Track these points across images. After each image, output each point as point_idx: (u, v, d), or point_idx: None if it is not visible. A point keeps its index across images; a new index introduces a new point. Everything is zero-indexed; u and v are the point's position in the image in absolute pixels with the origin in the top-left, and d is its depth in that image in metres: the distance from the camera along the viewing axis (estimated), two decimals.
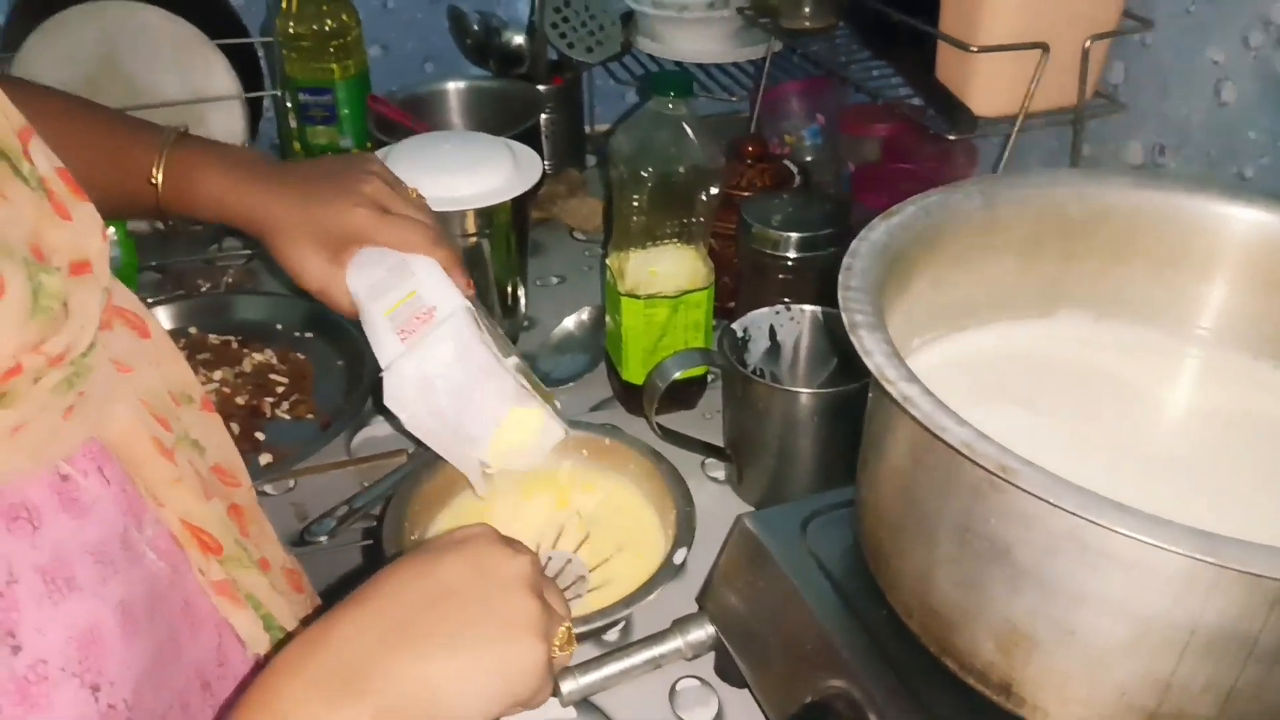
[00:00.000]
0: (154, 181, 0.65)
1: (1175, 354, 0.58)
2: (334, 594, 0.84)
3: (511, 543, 0.47)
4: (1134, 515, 0.34)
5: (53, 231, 0.41)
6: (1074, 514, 0.35)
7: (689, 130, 0.73)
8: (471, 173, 0.78)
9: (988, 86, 0.77)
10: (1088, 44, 0.74)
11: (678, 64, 1.21)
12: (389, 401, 0.62)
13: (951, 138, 0.78)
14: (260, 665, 0.52)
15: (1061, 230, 0.58)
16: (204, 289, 1.00)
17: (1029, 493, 0.35)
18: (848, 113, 1.09)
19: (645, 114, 0.74)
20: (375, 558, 0.87)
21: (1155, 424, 0.57)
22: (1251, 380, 0.55)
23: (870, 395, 0.51)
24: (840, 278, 0.48)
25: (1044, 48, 0.73)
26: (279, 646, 0.52)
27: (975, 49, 0.73)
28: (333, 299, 0.66)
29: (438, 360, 0.62)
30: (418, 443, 0.66)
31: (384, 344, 0.63)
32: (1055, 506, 0.35)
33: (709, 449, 0.75)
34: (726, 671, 0.63)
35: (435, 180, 0.77)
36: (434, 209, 0.77)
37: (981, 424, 0.39)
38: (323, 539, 0.73)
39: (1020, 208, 0.57)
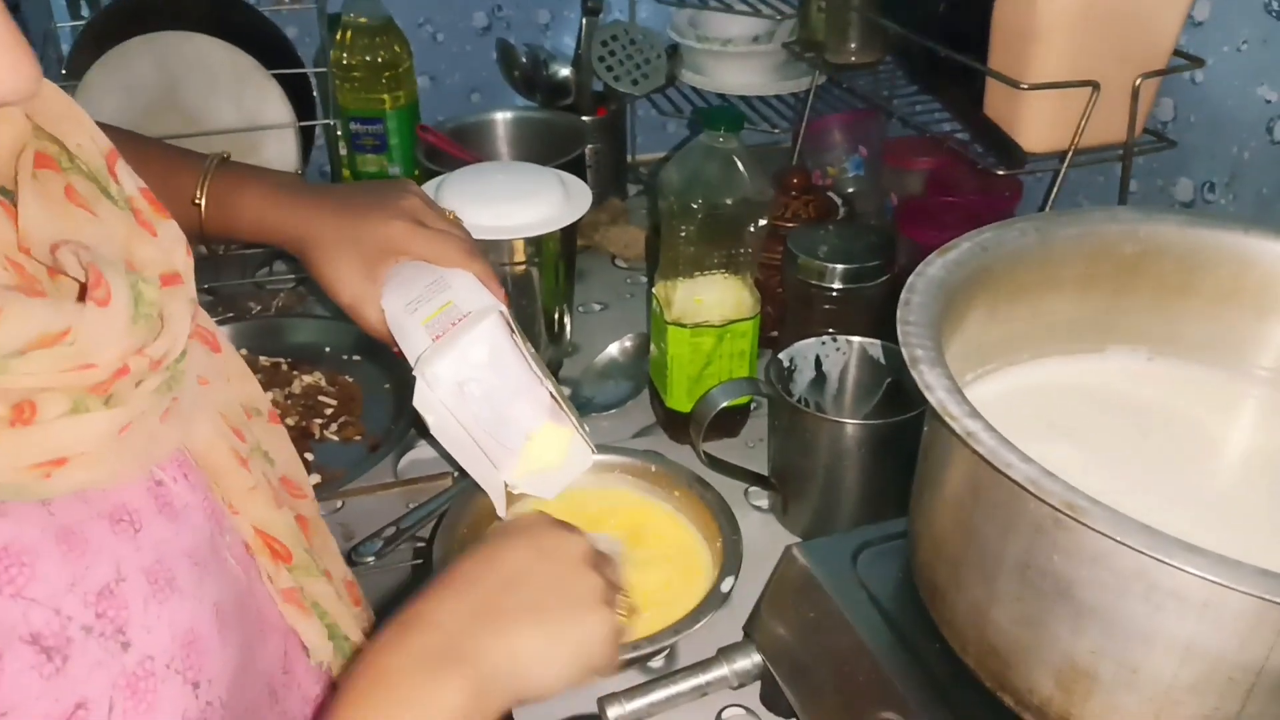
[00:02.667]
0: (198, 203, 0.67)
1: (1232, 392, 0.58)
2: (383, 614, 0.86)
3: (565, 525, 0.51)
4: (1204, 555, 0.34)
5: (141, 246, 0.43)
6: (1143, 553, 0.35)
7: (739, 164, 0.74)
8: (523, 202, 0.79)
9: (1036, 123, 0.77)
10: (1138, 82, 0.75)
11: (721, 96, 1.22)
12: (418, 403, 0.61)
13: (1001, 173, 0.78)
14: (326, 676, 0.53)
15: (1116, 267, 0.58)
16: (255, 312, 1.02)
17: (1097, 531, 0.36)
18: (890, 145, 1.10)
19: (696, 147, 0.75)
20: (424, 579, 0.88)
21: (1211, 463, 0.56)
22: None
23: (926, 429, 0.52)
24: (899, 312, 0.48)
25: (1095, 86, 0.74)
26: (344, 657, 0.53)
27: (1026, 86, 0.73)
28: (364, 315, 0.66)
29: (471, 361, 0.62)
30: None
31: (418, 348, 0.62)
32: (1124, 545, 0.35)
33: (754, 478, 0.76)
34: (773, 701, 0.63)
35: (488, 209, 0.78)
36: (487, 237, 0.79)
37: (1037, 459, 0.39)
38: (370, 559, 0.74)
39: (1075, 245, 0.57)
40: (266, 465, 0.53)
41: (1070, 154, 0.77)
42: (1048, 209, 0.80)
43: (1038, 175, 0.80)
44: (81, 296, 0.37)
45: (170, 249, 0.44)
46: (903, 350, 0.46)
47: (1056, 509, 0.36)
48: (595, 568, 0.50)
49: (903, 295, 0.49)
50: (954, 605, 0.48)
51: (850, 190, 1.13)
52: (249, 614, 0.46)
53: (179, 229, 0.45)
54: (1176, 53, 0.76)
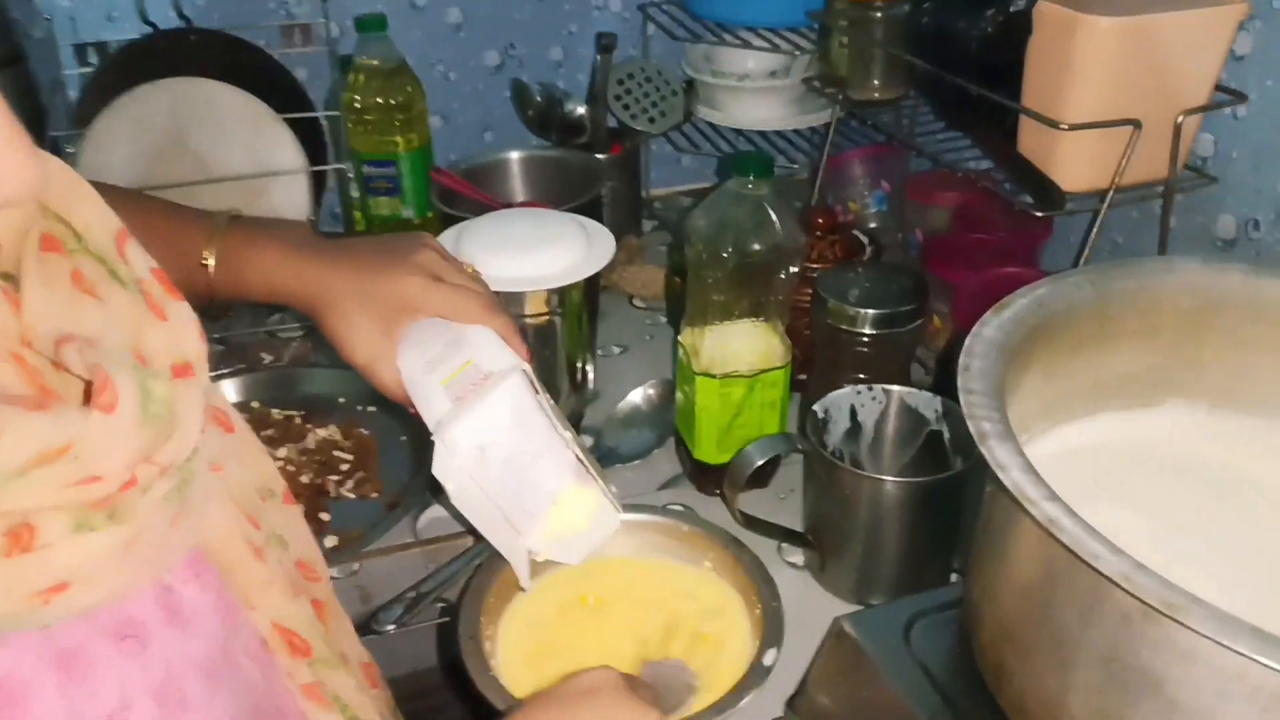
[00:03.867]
0: (206, 263, 0.64)
1: None
2: (407, 679, 0.83)
3: (637, 687, 0.47)
4: None
5: (151, 333, 0.40)
6: (1250, 657, 0.32)
7: (770, 210, 0.71)
8: (545, 251, 0.77)
9: (1074, 161, 0.75)
10: (1180, 119, 0.72)
11: (738, 131, 1.20)
12: (437, 470, 0.58)
13: (1039, 214, 0.76)
14: None
15: (1174, 320, 0.55)
16: (266, 362, 0.99)
17: (1199, 633, 0.33)
18: (913, 180, 1.08)
19: (724, 193, 0.72)
20: (450, 649, 0.85)
21: (1275, 525, 0.53)
22: None
23: (989, 499, 0.49)
24: (960, 380, 0.45)
25: (1136, 125, 0.71)
26: None
27: (1067, 127, 0.71)
28: (379, 375, 0.63)
29: (492, 424, 0.58)
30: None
31: (437, 411, 0.59)
32: (1227, 648, 0.32)
33: (792, 535, 0.73)
34: None
35: (510, 259, 0.76)
36: (509, 289, 0.76)
37: (1096, 525, 0.36)
38: (390, 627, 0.71)
39: (1132, 298, 0.55)
40: (282, 552, 0.50)
41: (1110, 194, 0.74)
42: (1087, 250, 0.78)
43: (1073, 214, 0.78)
44: (86, 398, 0.35)
45: (181, 334, 0.41)
46: (969, 422, 0.43)
47: (1155, 609, 0.34)
48: None
49: (961, 360, 0.47)
50: (1023, 690, 0.45)
51: (873, 225, 1.10)
52: (266, 716, 0.44)
53: (190, 311, 0.43)
54: (1218, 87, 0.74)
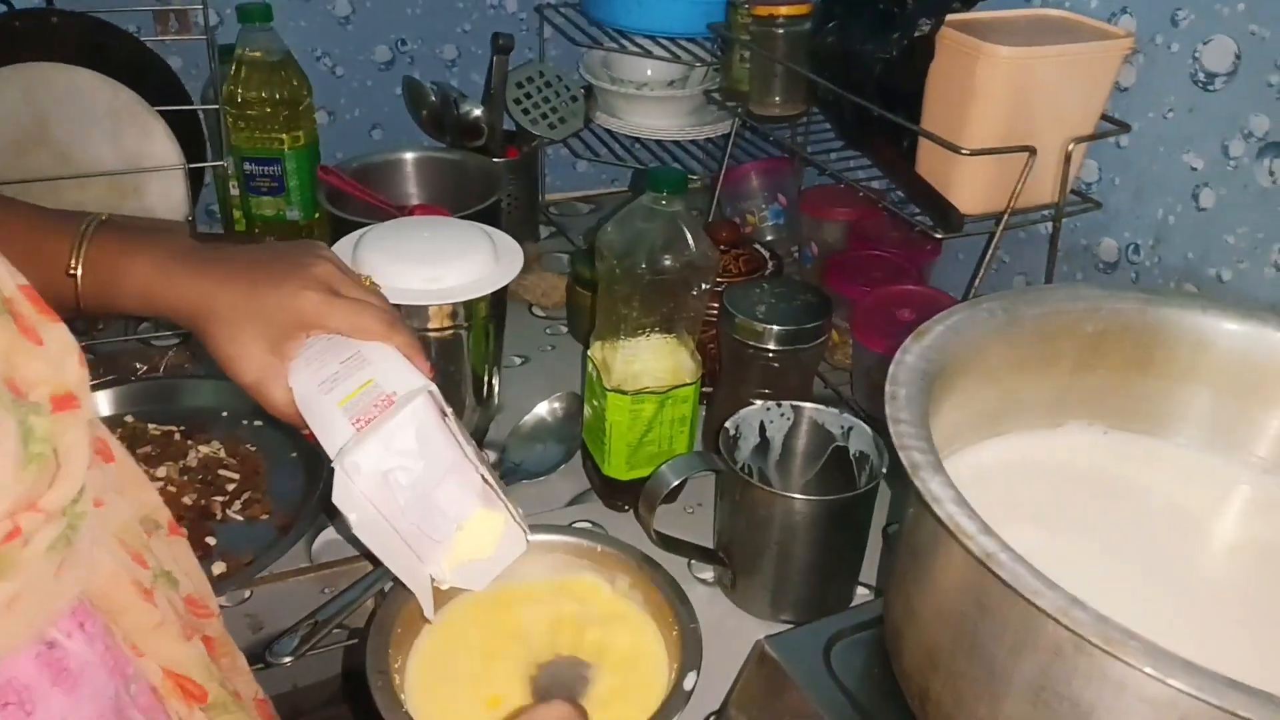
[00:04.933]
0: (73, 274, 0.58)
1: (1186, 466, 0.58)
2: (311, 698, 0.79)
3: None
4: (1255, 695, 0.32)
5: (26, 362, 0.36)
6: (1187, 692, 0.33)
7: (684, 226, 0.71)
8: (451, 263, 0.74)
9: (972, 185, 0.77)
10: (1070, 147, 0.75)
11: (637, 140, 1.19)
12: (337, 499, 0.54)
13: (939, 236, 0.78)
14: None
15: (1078, 345, 0.58)
16: (141, 372, 0.93)
17: (1136, 668, 0.34)
18: (809, 194, 1.09)
19: (637, 209, 0.72)
20: (351, 670, 0.81)
21: (1170, 538, 0.56)
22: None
23: (912, 526, 0.49)
24: (888, 409, 0.46)
25: (1032, 151, 0.74)
26: None
27: (968, 152, 0.73)
28: (269, 396, 0.59)
29: (397, 449, 0.55)
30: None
31: (337, 435, 0.56)
32: (1167, 685, 0.33)
33: (704, 553, 0.72)
34: None
35: (414, 271, 0.73)
36: (414, 302, 0.73)
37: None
38: (287, 659, 0.67)
39: (1040, 324, 0.57)
40: (171, 590, 0.46)
41: (1006, 217, 0.77)
42: (982, 272, 0.80)
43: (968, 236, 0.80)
44: None
45: (61, 361, 0.37)
46: (900, 453, 0.43)
47: (1094, 644, 0.34)
48: None
49: (888, 389, 0.47)
50: (951, 718, 0.46)
51: (770, 239, 1.12)
52: None
53: (69, 334, 0.38)
54: (1104, 117, 0.77)
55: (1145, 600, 0.49)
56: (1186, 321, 0.57)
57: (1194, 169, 0.74)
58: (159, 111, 0.97)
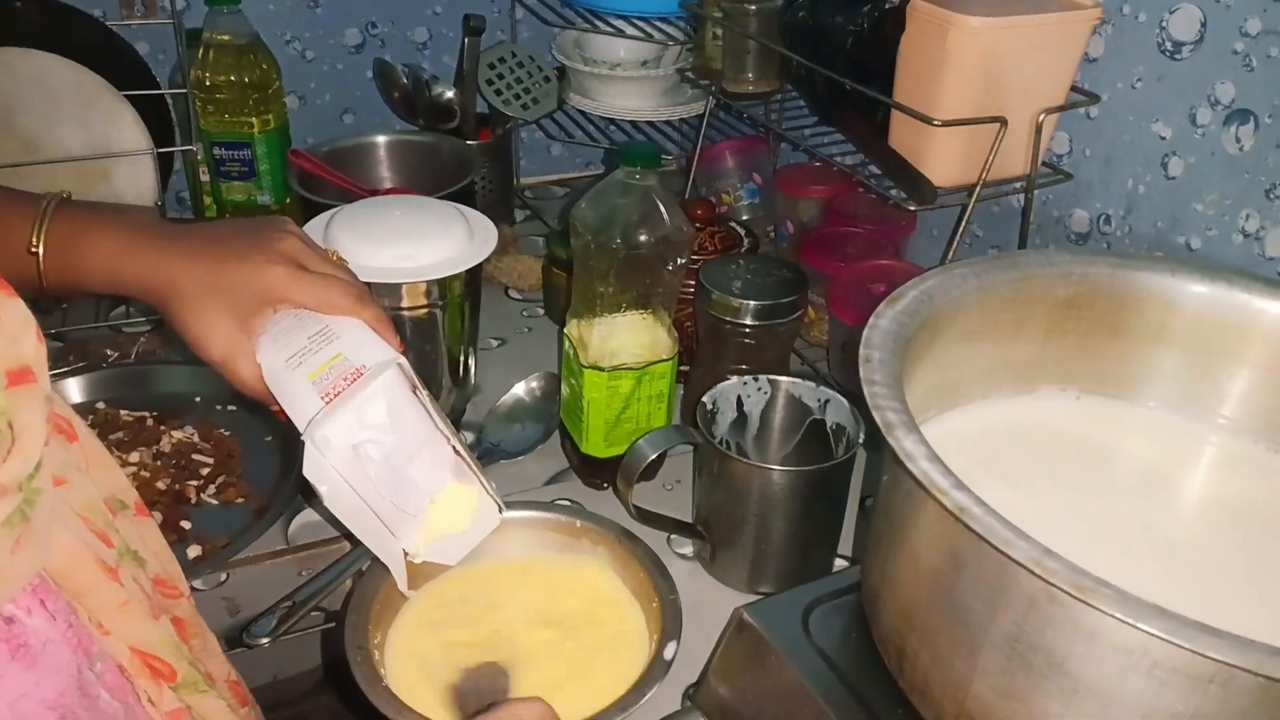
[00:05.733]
0: (34, 251, 0.57)
1: (1156, 426, 0.59)
2: (287, 684, 0.78)
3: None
4: (1222, 637, 0.33)
5: None
6: (1158, 636, 0.33)
7: (658, 201, 0.71)
8: (426, 241, 0.74)
9: (945, 157, 0.77)
10: (1041, 118, 0.76)
11: (611, 121, 1.19)
12: (308, 472, 0.54)
13: (912, 208, 0.78)
14: None
15: (1049, 309, 0.58)
16: (112, 359, 0.92)
17: (1107, 614, 0.34)
18: (784, 173, 1.09)
19: (612, 184, 0.71)
20: (331, 657, 0.81)
21: (1143, 498, 0.57)
22: (1254, 465, 0.56)
23: (888, 488, 0.50)
24: (862, 371, 0.46)
25: (1003, 122, 0.74)
26: None
27: (939, 123, 0.73)
28: (237, 372, 0.58)
29: (367, 422, 0.55)
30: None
31: (307, 409, 0.55)
32: (1135, 628, 0.34)
33: (684, 528, 0.73)
34: None
35: (387, 249, 0.72)
36: (388, 280, 0.73)
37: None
38: (264, 640, 0.66)
39: (1012, 288, 0.57)
40: (137, 569, 0.46)
41: (978, 188, 0.77)
42: (955, 243, 0.81)
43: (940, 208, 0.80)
44: None
45: (17, 336, 0.37)
46: (874, 413, 0.44)
47: (1065, 591, 0.35)
48: None
49: (862, 352, 0.47)
50: (928, 675, 0.46)
51: (745, 218, 1.12)
52: None
53: (25, 309, 0.38)
54: (1074, 88, 0.78)
55: (1117, 555, 0.50)
56: (1155, 284, 0.57)
57: (1163, 138, 0.75)
58: (126, 96, 0.96)
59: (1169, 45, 0.73)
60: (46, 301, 0.95)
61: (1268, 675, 0.32)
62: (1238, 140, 0.70)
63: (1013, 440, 0.59)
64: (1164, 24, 0.73)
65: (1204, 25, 0.70)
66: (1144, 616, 0.34)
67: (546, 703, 0.49)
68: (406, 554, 0.61)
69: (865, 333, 0.49)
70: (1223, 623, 0.34)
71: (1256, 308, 0.55)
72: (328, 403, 0.55)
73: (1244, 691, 0.35)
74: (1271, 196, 0.68)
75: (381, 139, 1.06)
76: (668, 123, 1.21)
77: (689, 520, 0.74)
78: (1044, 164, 0.81)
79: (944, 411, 0.59)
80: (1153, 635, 0.33)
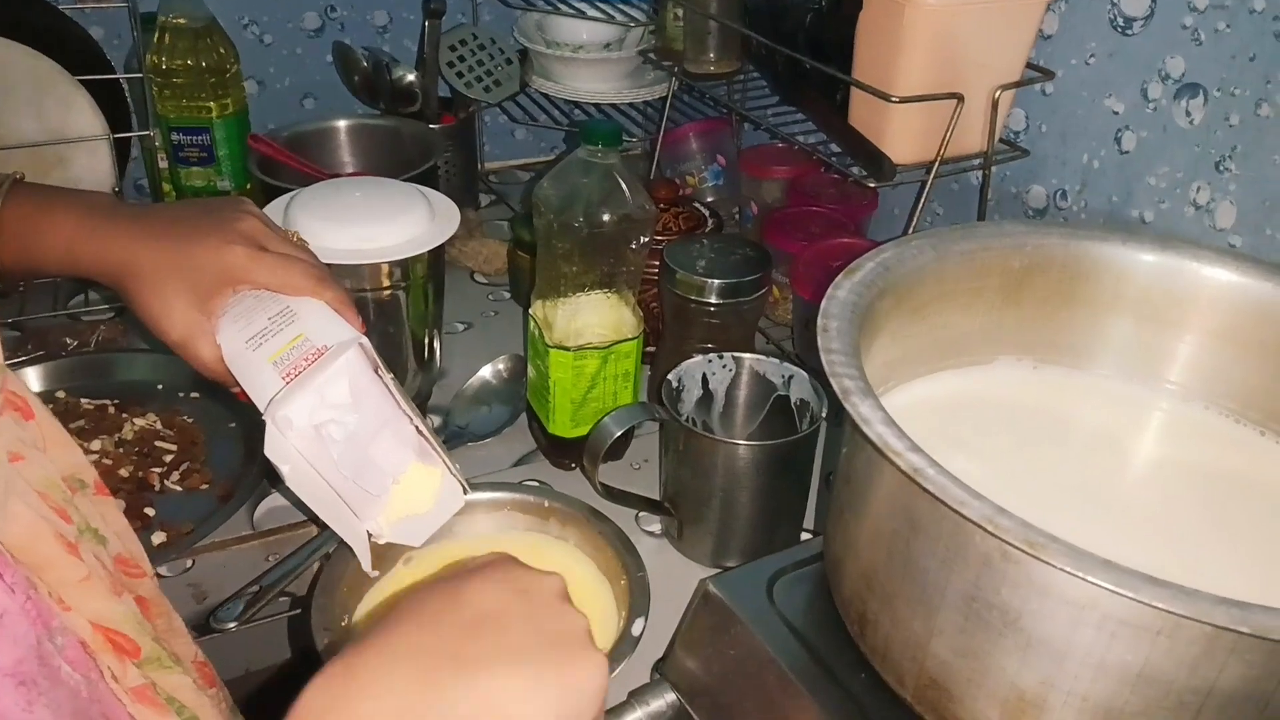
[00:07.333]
0: None
1: (1113, 395, 0.60)
2: (256, 675, 0.78)
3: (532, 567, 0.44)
4: (1167, 588, 0.34)
5: None
6: (1106, 588, 0.34)
7: (619, 179, 0.71)
8: (388, 222, 0.73)
9: (904, 134, 0.78)
10: (997, 94, 0.77)
11: (574, 104, 1.19)
12: (270, 452, 0.54)
13: (872, 185, 0.79)
14: None
15: (1004, 280, 0.59)
16: (71, 347, 0.91)
17: (1059, 568, 0.35)
18: (746, 154, 1.10)
19: (574, 162, 0.71)
20: (302, 645, 0.80)
21: (1098, 465, 0.58)
22: (1202, 428, 0.58)
23: (848, 456, 0.50)
24: (820, 341, 0.47)
25: (960, 98, 0.75)
26: None
27: (897, 99, 0.74)
28: (197, 353, 0.58)
29: (329, 401, 0.55)
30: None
31: (268, 390, 0.55)
32: (1086, 580, 0.35)
33: (651, 505, 0.73)
34: None
35: (349, 230, 0.72)
36: (350, 261, 0.72)
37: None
38: (231, 625, 0.66)
39: (967, 259, 0.58)
40: (98, 546, 0.46)
41: (937, 165, 0.78)
42: (914, 220, 0.82)
43: (899, 185, 0.81)
44: None
45: None
46: (831, 380, 0.44)
47: (1017, 547, 0.36)
48: (577, 608, 0.42)
49: (820, 322, 0.48)
50: (888, 637, 0.47)
51: (710, 199, 1.12)
52: None
53: None
54: (1029, 65, 0.79)
55: (1072, 518, 0.51)
56: (1108, 254, 0.58)
57: (1115, 113, 0.76)
58: (81, 82, 0.95)
59: (1120, 21, 0.74)
60: (5, 287, 0.94)
61: (1213, 623, 0.33)
62: (1188, 114, 0.71)
63: (971, 410, 0.60)
64: (1115, 0, 0.74)
65: (1154, 1, 0.72)
66: (1092, 570, 0.34)
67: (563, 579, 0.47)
68: (370, 535, 0.61)
69: (824, 303, 0.50)
70: (1173, 578, 0.34)
71: (1205, 276, 0.57)
72: (289, 383, 0.55)
73: (1191, 641, 0.36)
74: (1221, 169, 0.70)
75: (342, 123, 1.05)
76: (632, 105, 1.21)
77: (655, 498, 0.75)
78: (1001, 140, 0.82)
79: (903, 383, 0.60)
80: (1101, 587, 0.34)
